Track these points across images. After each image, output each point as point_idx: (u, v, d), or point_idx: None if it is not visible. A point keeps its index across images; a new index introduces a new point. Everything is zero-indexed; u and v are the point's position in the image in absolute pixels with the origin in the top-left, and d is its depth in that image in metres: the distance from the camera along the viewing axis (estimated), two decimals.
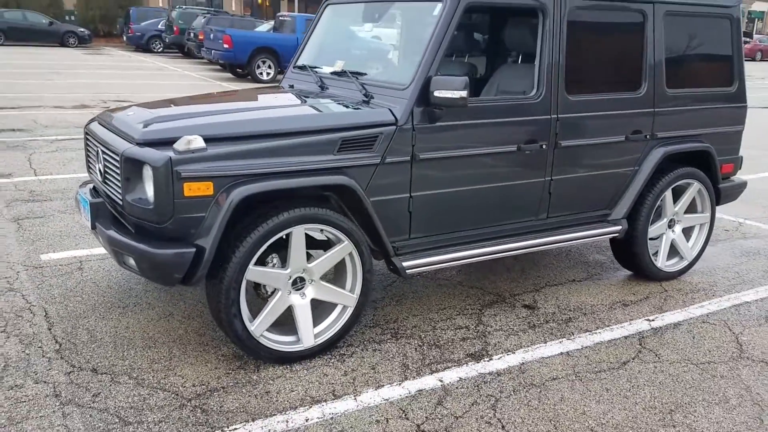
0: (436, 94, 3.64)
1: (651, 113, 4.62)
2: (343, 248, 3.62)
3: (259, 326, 3.48)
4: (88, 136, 4.05)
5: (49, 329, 3.89)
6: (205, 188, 3.25)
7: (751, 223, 6.63)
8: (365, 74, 4.21)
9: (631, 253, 4.88)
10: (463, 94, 3.63)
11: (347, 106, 3.88)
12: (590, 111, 4.37)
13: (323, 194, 3.68)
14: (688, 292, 4.84)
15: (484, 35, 5.23)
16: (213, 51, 19.11)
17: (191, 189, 3.22)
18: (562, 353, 3.86)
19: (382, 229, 3.71)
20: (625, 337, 4.09)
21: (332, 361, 3.67)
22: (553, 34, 4.15)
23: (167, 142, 3.30)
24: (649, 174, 4.67)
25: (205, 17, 23.60)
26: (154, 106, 4.02)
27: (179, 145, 3.22)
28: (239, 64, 18.95)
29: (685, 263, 5.12)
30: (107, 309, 4.18)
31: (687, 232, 5.18)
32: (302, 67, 4.78)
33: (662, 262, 4.97)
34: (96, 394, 3.26)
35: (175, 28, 26.64)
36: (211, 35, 19.28)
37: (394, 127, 3.70)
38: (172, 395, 3.28)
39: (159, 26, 28.44)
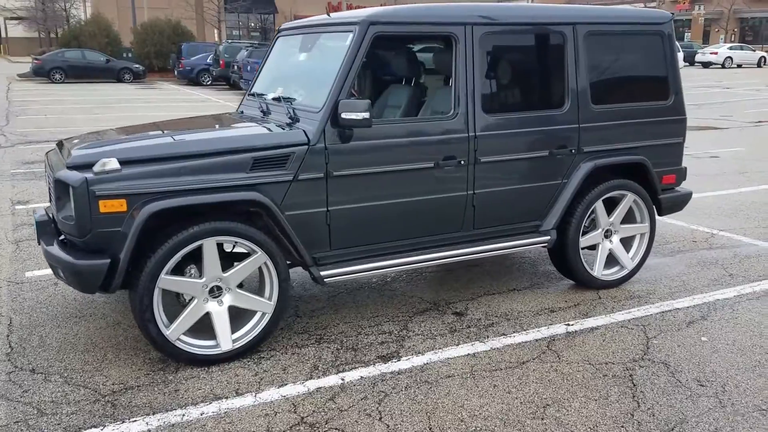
0: (343, 116, 3.98)
1: (576, 129, 4.85)
2: (257, 259, 3.97)
3: (174, 331, 3.85)
4: (46, 161, 4.52)
5: (8, 336, 4.34)
6: (119, 205, 3.65)
7: (723, 234, 6.70)
8: (295, 99, 4.57)
9: (565, 263, 5.08)
10: (366, 115, 3.96)
11: (271, 129, 4.24)
12: (509, 128, 4.63)
13: (252, 210, 4.01)
14: (621, 299, 5.01)
15: (420, 60, 5.54)
16: (249, 82, 19.82)
17: (106, 206, 3.63)
18: (468, 354, 4.10)
19: (298, 241, 4.04)
20: (537, 340, 4.30)
21: (248, 363, 4.00)
22: (465, 59, 4.45)
23: (90, 165, 3.71)
24: (576, 186, 4.88)
25: (247, 50, 24.48)
26: (100, 134, 4.47)
27: (96, 167, 3.64)
28: None
29: (624, 272, 5.27)
30: (65, 318, 4.62)
31: (627, 242, 5.34)
32: (253, 95, 5.18)
33: (599, 270, 5.15)
34: (26, 390, 3.68)
35: (221, 62, 27.68)
36: (248, 67, 20.03)
37: (306, 146, 4.04)
38: (91, 392, 3.67)
39: (207, 60, 29.57)
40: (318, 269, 4.17)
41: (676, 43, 4.87)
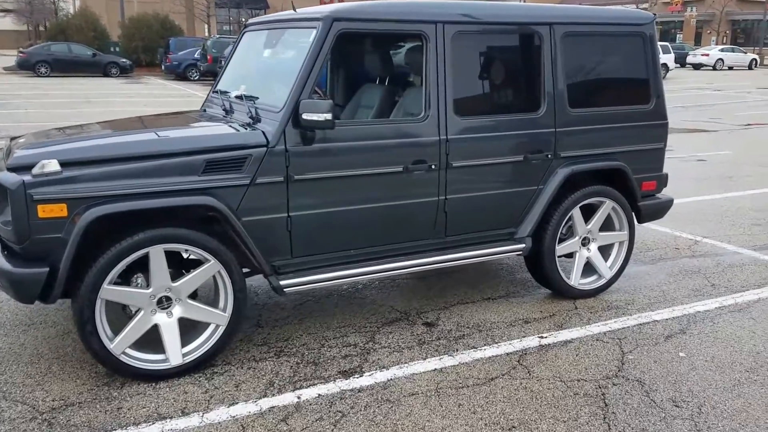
0: (304, 116, 3.76)
1: (552, 133, 4.64)
2: (210, 268, 3.74)
3: (119, 344, 3.62)
4: None
5: None
6: (59, 210, 3.41)
7: (707, 241, 6.52)
8: (257, 98, 4.34)
9: (540, 271, 4.88)
10: (328, 116, 3.74)
11: (228, 129, 4.01)
12: (483, 132, 4.42)
13: (207, 215, 3.79)
14: (598, 310, 4.81)
15: (393, 60, 5.33)
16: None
17: (45, 211, 3.39)
18: (435, 369, 3.89)
19: (255, 248, 3.82)
20: (508, 354, 4.10)
21: (200, 379, 3.78)
22: (436, 59, 4.23)
23: (30, 167, 3.47)
24: (552, 193, 4.68)
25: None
26: (44, 133, 4.24)
27: (35, 170, 3.40)
28: None
29: (602, 281, 5.08)
30: (13, 326, 4.38)
31: (606, 250, 5.14)
32: (218, 92, 4.95)
33: (575, 279, 4.95)
34: None
35: (209, 57, 27.38)
36: None
37: (265, 148, 3.82)
38: (29, 408, 3.44)
39: (195, 55, 29.26)
40: (277, 278, 3.95)
41: (659, 45, 4.64)
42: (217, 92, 4.99)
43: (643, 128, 5.04)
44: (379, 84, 5.24)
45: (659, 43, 32.21)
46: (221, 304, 3.86)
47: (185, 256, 3.80)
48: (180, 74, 29.61)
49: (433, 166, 4.28)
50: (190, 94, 23.08)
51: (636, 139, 5.01)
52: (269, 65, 4.74)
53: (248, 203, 3.83)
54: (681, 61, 42.70)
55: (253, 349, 4.14)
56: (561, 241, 4.94)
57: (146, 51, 34.70)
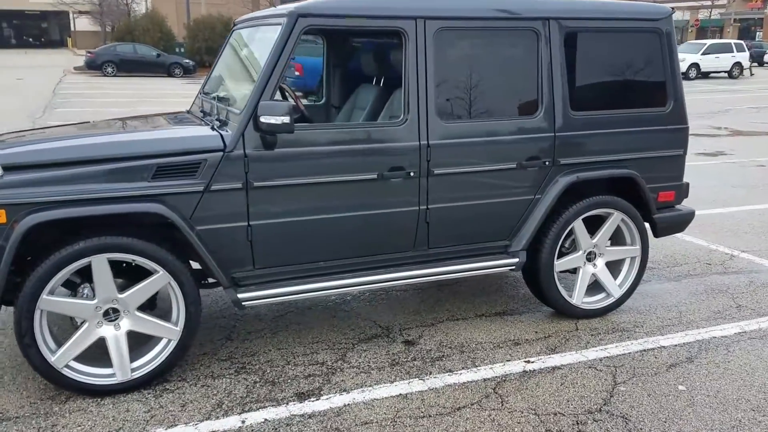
0: (262, 119, 3.51)
1: (550, 138, 4.26)
2: (158, 279, 3.53)
3: (61, 357, 3.43)
4: None
5: None
6: None
7: (745, 256, 5.97)
8: (229, 99, 4.11)
9: (538, 288, 4.50)
10: (286, 120, 3.48)
11: (185, 132, 3.80)
12: (469, 137, 4.08)
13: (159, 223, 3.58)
14: (601, 332, 4.39)
15: (386, 59, 5.00)
16: (286, 78, 19.50)
17: None
18: (399, 395, 3.58)
19: (209, 259, 3.58)
20: (485, 380, 3.75)
21: (148, 396, 3.56)
22: (416, 58, 3.92)
23: None
24: (550, 203, 4.29)
25: None
26: (19, 134, 4.11)
27: None
28: (310, 91, 19.23)
29: (611, 300, 4.65)
30: None
31: (616, 266, 4.71)
32: (203, 93, 4.75)
33: (578, 298, 4.55)
34: None
35: None
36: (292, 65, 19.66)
37: (222, 153, 3.58)
38: None
39: None
40: (236, 291, 3.70)
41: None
42: (202, 94, 4.78)
43: (659, 133, 4.59)
44: (375, 85, 4.94)
45: (734, 41, 30.71)
46: (173, 317, 3.63)
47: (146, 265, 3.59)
48: None
49: (412, 174, 3.96)
50: None
51: (650, 145, 4.57)
52: (243, 65, 4.50)
53: (203, 211, 3.59)
54: (759, 59, 40.79)
55: (215, 364, 3.90)
56: (564, 255, 4.54)
57: (209, 52, 35.11)
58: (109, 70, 30.41)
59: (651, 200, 4.59)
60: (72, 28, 62.96)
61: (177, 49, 35.65)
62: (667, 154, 4.64)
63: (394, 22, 3.87)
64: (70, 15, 59.64)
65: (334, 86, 5.43)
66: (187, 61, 32.07)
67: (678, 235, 6.41)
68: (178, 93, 23.26)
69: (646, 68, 4.55)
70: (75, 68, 33.57)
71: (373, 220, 3.95)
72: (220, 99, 4.14)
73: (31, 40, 73.25)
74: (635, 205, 4.58)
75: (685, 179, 4.80)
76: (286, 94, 4.57)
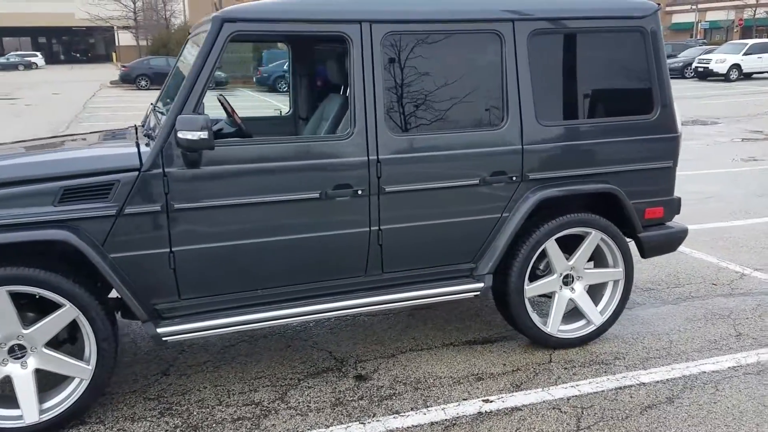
0: (180, 135, 3.19)
1: (518, 151, 3.85)
2: (65, 313, 3.22)
3: None
4: None
5: None
6: None
7: (757, 275, 5.45)
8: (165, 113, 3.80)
9: (509, 315, 4.09)
10: (203, 135, 3.16)
11: (138, 147, 3.48)
12: (424, 151, 3.70)
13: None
14: (576, 365, 3.95)
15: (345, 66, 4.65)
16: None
17: None
18: None
19: (123, 290, 3.27)
20: (432, 424, 3.35)
21: None
22: (363, 65, 3.56)
23: None
24: (518, 222, 3.89)
25: None
26: None
27: None
28: None
29: (591, 328, 4.21)
30: None
31: (598, 290, 4.27)
32: (154, 106, 4.46)
33: (553, 325, 4.12)
34: None
35: None
36: None
37: (137, 173, 3.26)
38: None
39: (284, 67, 29.38)
40: (155, 325, 3.37)
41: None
42: (153, 107, 4.49)
43: (644, 144, 4.15)
44: (343, 94, 4.59)
45: None
46: (86, 354, 3.32)
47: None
48: (270, 86, 29.83)
49: (360, 192, 3.60)
50: (275, 106, 23.06)
51: (634, 156, 4.13)
52: (183, 76, 4.18)
53: (118, 237, 3.28)
54: None
55: (140, 404, 3.58)
56: (538, 278, 4.12)
57: (240, 64, 35.26)
58: (143, 83, 30.66)
59: (635, 217, 4.14)
60: (116, 43, 64.17)
61: None
62: (653, 166, 4.19)
63: (335, 27, 3.52)
64: (115, 30, 60.74)
65: (300, 96, 5.10)
66: (219, 73, 32.11)
67: (686, 250, 5.94)
68: (207, 105, 23.19)
69: (628, 72, 4.11)
70: (111, 82, 33.99)
71: (316, 244, 3.59)
72: (160, 113, 3.85)
73: (78, 55, 74.92)
74: (619, 223, 4.13)
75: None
76: (225, 106, 4.22)
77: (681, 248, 6.06)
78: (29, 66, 55.06)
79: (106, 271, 3.21)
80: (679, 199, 4.35)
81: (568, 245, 4.13)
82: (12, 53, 61.45)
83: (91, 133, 4.56)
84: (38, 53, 61.73)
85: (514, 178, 3.87)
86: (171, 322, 3.44)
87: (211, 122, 3.20)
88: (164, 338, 3.38)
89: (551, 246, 4.01)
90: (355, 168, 3.58)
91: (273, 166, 3.46)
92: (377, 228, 3.69)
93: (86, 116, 18.95)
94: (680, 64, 31.55)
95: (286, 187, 3.49)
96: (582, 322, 4.23)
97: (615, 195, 4.05)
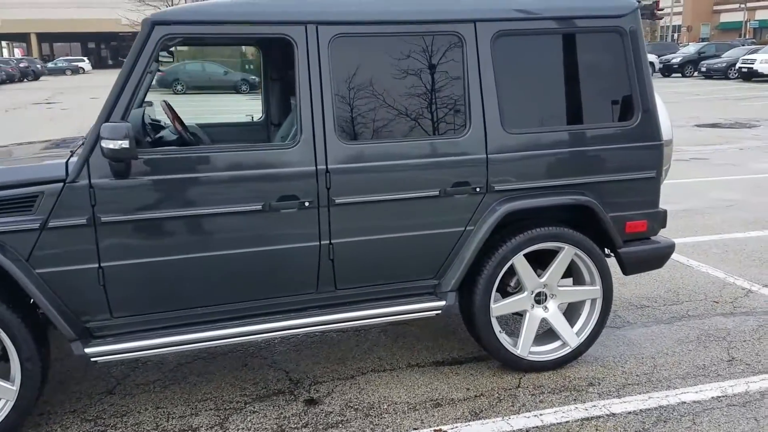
0: (103, 144, 3.02)
1: (482, 161, 3.59)
2: None
3: None
4: None
5: None
6: None
7: (764, 292, 5.09)
8: None
9: (475, 335, 3.82)
10: (124, 144, 2.98)
11: (71, 157, 3.33)
12: (378, 160, 3.47)
13: None
14: (545, 391, 3.67)
15: None
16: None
17: None
18: None
19: (48, 307, 3.11)
20: None
21: None
22: (309, 70, 3.35)
23: None
24: (483, 236, 3.63)
25: None
26: None
27: None
28: None
29: (566, 350, 3.92)
30: None
31: (575, 309, 3.98)
32: None
33: (524, 347, 3.84)
34: None
35: None
36: None
37: (62, 184, 3.09)
38: None
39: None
40: (82, 345, 3.19)
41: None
42: None
43: (624, 152, 3.84)
44: None
45: None
46: (11, 374, 3.16)
47: None
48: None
49: (307, 204, 3.37)
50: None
51: (612, 166, 3.83)
52: None
53: (43, 251, 3.12)
54: None
55: (76, 425, 3.41)
56: (510, 294, 3.85)
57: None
58: (179, 87, 30.92)
59: (614, 231, 3.83)
60: None
61: (246, 66, 35.97)
62: (634, 176, 3.88)
63: (279, 29, 3.31)
64: None
65: (272, 101, 4.90)
66: (254, 77, 32.25)
67: (693, 263, 5.58)
68: (238, 109, 23.28)
69: (605, 75, 3.82)
70: None
71: (260, 259, 3.38)
72: None
73: (124, 60, 76.33)
74: (597, 238, 3.83)
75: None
76: (167, 112, 4.04)
77: (688, 261, 5.72)
78: (76, 71, 56.17)
79: (30, 287, 3.05)
80: (664, 212, 4.02)
81: (546, 261, 3.85)
82: (60, 58, 62.87)
83: (41, 141, 4.43)
84: (85, 58, 62.98)
85: (478, 190, 3.60)
86: (102, 341, 3.27)
87: (148, 129, 3.01)
88: (93, 358, 3.20)
89: (520, 262, 3.73)
90: (301, 178, 3.36)
91: (210, 177, 3.26)
92: (328, 242, 3.46)
93: None
94: (724, 65, 30.60)
95: (225, 198, 3.28)
96: (557, 344, 3.94)
97: (590, 207, 3.75)
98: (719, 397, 3.57)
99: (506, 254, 3.67)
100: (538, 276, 3.84)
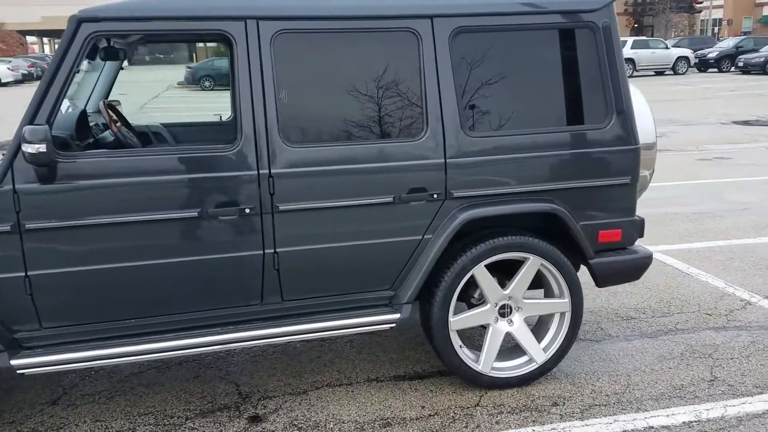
0: (23, 147, 2.87)
1: (440, 166, 3.37)
2: None
3: None
4: None
5: None
6: None
7: (764, 304, 4.78)
8: None
9: (434, 349, 3.61)
10: (41, 148, 2.84)
11: None
12: (327, 164, 3.27)
13: None
14: (504, 411, 3.45)
15: None
16: None
17: None
18: None
19: None
20: None
21: None
22: (249, 68, 3.16)
23: None
24: (441, 245, 3.42)
25: None
26: None
27: None
28: None
29: (533, 366, 3.68)
30: None
31: (544, 323, 3.75)
32: None
33: (486, 363, 3.62)
34: None
35: None
36: None
37: None
38: None
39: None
40: (8, 356, 3.06)
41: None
42: None
43: (596, 157, 3.59)
44: None
45: None
46: None
47: None
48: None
49: (248, 211, 3.19)
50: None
51: (582, 172, 3.58)
52: None
53: None
54: None
55: None
56: (474, 306, 3.64)
57: None
58: (207, 84, 31.03)
59: (584, 241, 3.59)
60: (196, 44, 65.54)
61: None
62: (607, 182, 3.63)
63: (216, 24, 3.14)
64: None
65: None
66: None
67: (693, 271, 5.30)
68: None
69: (575, 75, 3.57)
70: (178, 83, 34.54)
71: (198, 269, 3.21)
72: None
73: (161, 56, 77.05)
74: (567, 247, 3.59)
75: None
76: (104, 114, 3.89)
77: (688, 269, 5.43)
78: None
79: None
80: (641, 221, 3.76)
81: (508, 273, 3.63)
82: None
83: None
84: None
85: (435, 196, 3.39)
86: (31, 353, 3.13)
87: (92, 131, 2.86)
88: (18, 371, 3.06)
89: (481, 273, 3.51)
90: (242, 183, 3.18)
91: (141, 181, 3.09)
92: (272, 251, 3.27)
93: (139, 117, 19.14)
94: (762, 59, 29.70)
95: (158, 204, 3.12)
96: (523, 359, 3.71)
97: (557, 215, 3.51)
98: (691, 422, 3.30)
99: (466, 264, 3.45)
100: (503, 288, 3.60)
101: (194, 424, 3.38)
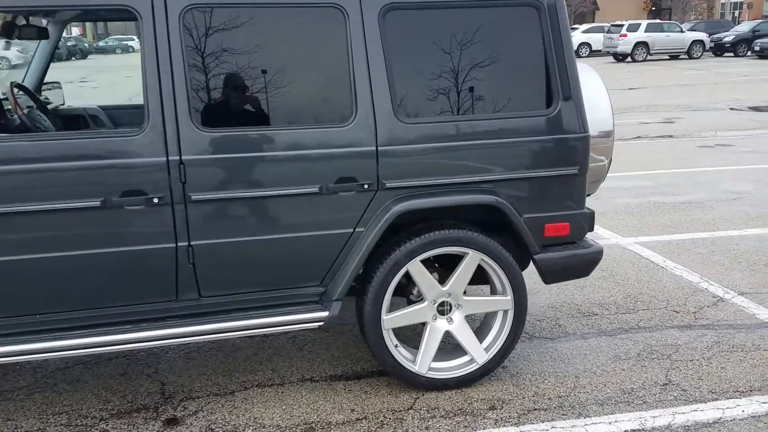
0: None
1: (371, 154, 3.15)
2: None
3: None
4: None
5: None
6: None
7: (738, 301, 4.52)
8: None
9: (369, 349, 3.41)
10: None
11: None
12: (243, 151, 3.05)
13: None
14: (437, 416, 3.24)
15: None
16: None
17: None
18: None
19: None
20: None
21: None
22: (157, 46, 2.94)
23: None
24: (372, 239, 3.20)
25: None
26: None
27: None
28: None
29: (474, 367, 3.48)
30: None
31: (488, 321, 3.53)
32: None
33: (422, 363, 3.41)
34: None
35: None
36: None
37: None
38: None
39: None
40: None
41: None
42: None
43: (541, 145, 3.36)
44: None
45: None
46: None
47: None
48: None
49: (157, 200, 2.98)
50: None
51: (527, 161, 3.35)
52: None
53: None
54: None
55: None
56: (413, 304, 3.43)
57: None
58: None
59: (528, 235, 3.36)
60: None
61: None
62: (553, 173, 3.39)
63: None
64: None
65: None
66: None
67: (669, 265, 5.05)
68: None
69: (518, 57, 3.33)
70: None
71: (101, 262, 3.01)
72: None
73: None
74: (503, 243, 3.36)
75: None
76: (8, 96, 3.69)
77: (664, 262, 5.18)
78: (126, 49, 56.66)
79: None
80: (591, 213, 3.52)
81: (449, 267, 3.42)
82: (111, 37, 63.59)
83: None
84: (135, 37, 63.62)
85: (366, 186, 3.17)
86: None
87: None
88: None
89: (416, 268, 3.29)
90: (149, 171, 2.97)
91: (37, 168, 2.88)
92: (186, 244, 3.07)
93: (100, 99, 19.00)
94: None
95: (58, 193, 2.90)
96: (464, 359, 3.50)
97: (498, 207, 3.28)
98: (634, 430, 3.07)
99: (399, 259, 3.24)
100: (442, 284, 3.38)
101: (107, 425, 3.21)
